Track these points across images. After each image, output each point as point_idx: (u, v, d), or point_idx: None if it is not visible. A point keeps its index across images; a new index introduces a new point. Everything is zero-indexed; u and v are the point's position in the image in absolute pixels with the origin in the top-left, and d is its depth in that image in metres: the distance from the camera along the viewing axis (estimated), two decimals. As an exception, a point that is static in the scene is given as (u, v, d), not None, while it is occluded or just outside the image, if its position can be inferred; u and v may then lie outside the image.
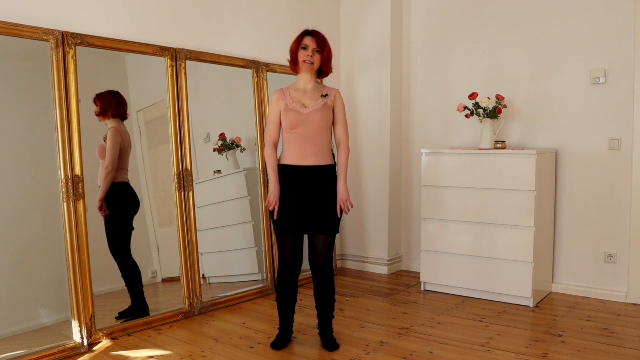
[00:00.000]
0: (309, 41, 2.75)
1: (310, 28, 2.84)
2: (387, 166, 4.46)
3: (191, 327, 3.24)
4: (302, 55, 2.75)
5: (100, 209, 3.10)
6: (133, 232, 3.26)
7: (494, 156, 3.63)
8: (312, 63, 2.75)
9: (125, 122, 3.22)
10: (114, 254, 3.18)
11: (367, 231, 4.61)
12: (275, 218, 2.79)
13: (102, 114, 3.12)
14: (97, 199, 3.09)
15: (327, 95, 2.81)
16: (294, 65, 2.82)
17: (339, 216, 2.83)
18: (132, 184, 3.25)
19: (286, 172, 2.79)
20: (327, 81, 4.38)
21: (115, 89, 3.18)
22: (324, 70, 2.85)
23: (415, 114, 4.50)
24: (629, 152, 3.55)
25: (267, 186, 3.91)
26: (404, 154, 4.58)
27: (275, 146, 2.83)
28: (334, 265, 2.82)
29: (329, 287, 2.87)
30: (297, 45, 2.77)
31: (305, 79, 2.83)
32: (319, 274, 2.86)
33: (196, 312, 3.44)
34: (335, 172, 2.86)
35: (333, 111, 2.84)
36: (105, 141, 3.13)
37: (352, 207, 2.84)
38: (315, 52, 2.75)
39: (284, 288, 2.89)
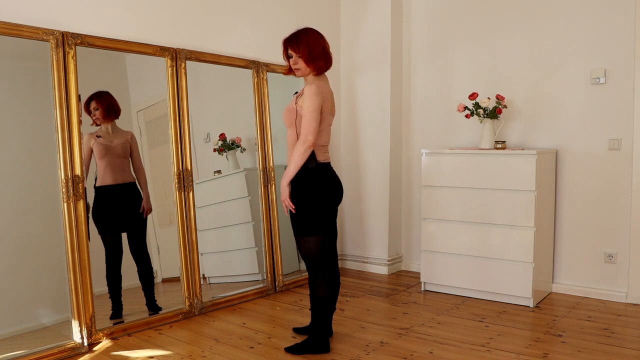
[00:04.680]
0: (290, 50, 2.77)
1: (299, 27, 2.79)
2: (387, 166, 4.46)
3: (191, 327, 3.24)
4: (290, 64, 2.81)
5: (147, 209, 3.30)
6: (133, 232, 3.28)
7: (494, 156, 3.63)
8: (299, 69, 2.77)
9: (125, 122, 3.22)
10: (143, 254, 3.28)
11: (367, 231, 4.61)
12: None
13: (107, 117, 3.12)
14: (145, 200, 3.30)
15: (297, 92, 2.85)
16: (289, 71, 2.87)
17: (290, 213, 2.75)
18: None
19: None
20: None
21: (115, 89, 3.18)
22: (313, 67, 2.75)
23: (415, 114, 4.50)
24: (629, 152, 3.55)
25: (267, 186, 3.95)
26: (404, 154, 4.58)
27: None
28: (312, 266, 2.80)
29: (310, 285, 2.84)
30: (285, 55, 2.82)
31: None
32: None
33: (196, 312, 3.44)
34: (300, 173, 2.69)
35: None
36: (130, 140, 3.23)
37: (291, 208, 2.71)
38: (297, 58, 2.75)
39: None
